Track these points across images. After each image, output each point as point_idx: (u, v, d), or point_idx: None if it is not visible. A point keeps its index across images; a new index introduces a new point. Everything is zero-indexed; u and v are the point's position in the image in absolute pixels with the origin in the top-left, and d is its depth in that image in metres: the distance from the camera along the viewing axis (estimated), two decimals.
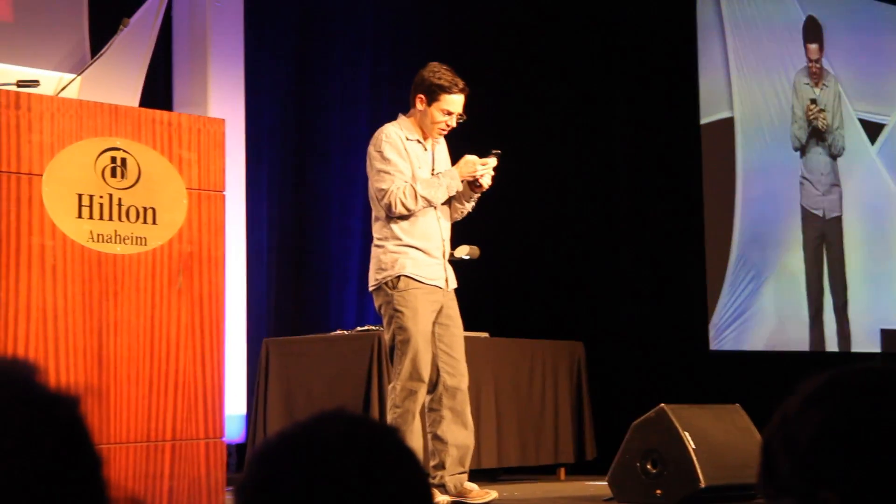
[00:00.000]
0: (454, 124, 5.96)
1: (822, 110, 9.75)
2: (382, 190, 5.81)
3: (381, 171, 5.83)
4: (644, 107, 9.28)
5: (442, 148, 6.11)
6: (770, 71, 9.63)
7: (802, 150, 9.67)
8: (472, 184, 5.95)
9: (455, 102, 5.91)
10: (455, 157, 6.08)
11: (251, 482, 1.30)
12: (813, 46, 9.80)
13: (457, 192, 5.95)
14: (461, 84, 5.91)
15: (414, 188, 5.81)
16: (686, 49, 9.38)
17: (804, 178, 9.65)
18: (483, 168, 5.92)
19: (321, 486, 1.26)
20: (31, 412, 1.17)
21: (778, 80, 9.65)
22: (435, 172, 5.97)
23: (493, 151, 5.94)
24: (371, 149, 5.92)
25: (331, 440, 1.30)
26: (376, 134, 5.95)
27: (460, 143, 6.23)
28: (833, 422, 1.38)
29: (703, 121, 9.40)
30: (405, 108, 6.06)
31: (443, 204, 5.96)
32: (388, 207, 5.81)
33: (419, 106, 5.94)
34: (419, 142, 5.96)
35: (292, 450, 1.30)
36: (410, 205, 5.80)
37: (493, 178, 5.98)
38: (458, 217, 6.10)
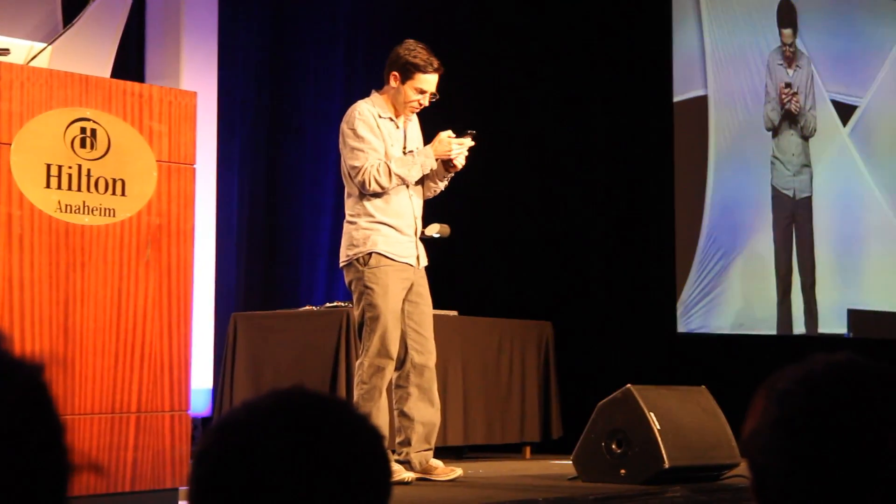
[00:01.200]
0: (427, 103, 5.96)
1: (795, 93, 9.77)
2: (356, 167, 5.81)
3: (355, 149, 5.83)
4: (617, 84, 9.28)
5: (414, 125, 6.11)
6: (744, 49, 9.65)
7: (775, 130, 9.70)
8: (447, 163, 5.95)
9: (429, 81, 5.91)
10: (428, 135, 6.09)
11: (205, 453, 1.32)
12: (787, 31, 9.82)
13: (431, 170, 5.95)
14: (436, 63, 5.91)
15: (388, 166, 5.81)
16: (660, 26, 9.37)
17: (775, 157, 9.68)
18: (458, 147, 5.92)
19: (275, 459, 1.27)
20: None
21: (752, 59, 9.67)
22: (407, 150, 5.98)
23: (469, 131, 5.95)
24: (344, 126, 5.92)
25: (286, 416, 1.31)
26: (349, 111, 5.95)
27: (433, 121, 6.23)
28: (783, 420, 1.40)
29: (676, 98, 9.40)
30: (379, 84, 6.05)
31: (416, 182, 5.97)
32: (362, 185, 5.81)
33: (393, 83, 5.94)
34: (391, 119, 5.96)
35: (248, 424, 1.31)
36: (384, 182, 5.81)
37: (467, 158, 5.99)
38: (431, 195, 6.11)
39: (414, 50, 5.92)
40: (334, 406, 1.35)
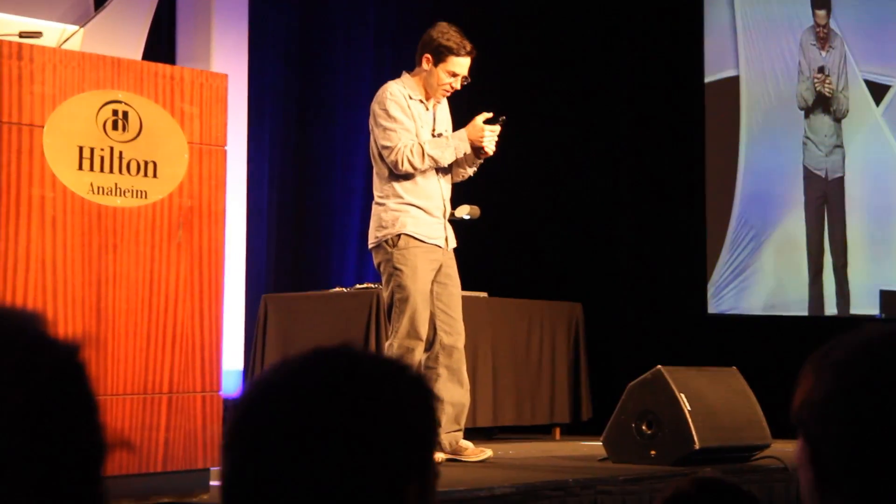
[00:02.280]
0: (459, 86, 5.95)
1: (827, 76, 9.72)
2: (389, 147, 5.81)
3: (387, 129, 5.82)
4: (648, 65, 9.26)
5: (443, 109, 6.10)
6: (777, 29, 9.60)
7: (807, 110, 9.65)
8: (477, 149, 5.94)
9: (462, 65, 5.90)
10: (456, 119, 6.08)
11: (240, 402, 1.33)
12: (821, 12, 9.75)
13: (463, 154, 5.94)
14: (469, 46, 5.90)
15: (422, 147, 5.80)
16: (692, 6, 9.35)
17: (807, 138, 9.63)
18: (489, 134, 5.91)
19: (308, 408, 1.29)
20: (27, 353, 1.18)
21: (784, 39, 9.62)
22: (436, 133, 5.97)
23: (500, 118, 5.93)
24: (375, 106, 5.91)
25: (322, 368, 1.32)
26: (380, 91, 5.95)
27: (462, 104, 6.22)
28: (844, 389, 1.39)
29: (708, 79, 9.38)
30: (409, 66, 6.05)
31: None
32: (395, 164, 5.80)
33: (425, 66, 5.93)
34: (421, 101, 5.95)
35: (283, 375, 1.33)
36: (417, 163, 5.80)
37: (496, 142, 5.97)
38: (459, 180, 6.11)
39: (447, 33, 5.90)
40: (376, 361, 1.35)
